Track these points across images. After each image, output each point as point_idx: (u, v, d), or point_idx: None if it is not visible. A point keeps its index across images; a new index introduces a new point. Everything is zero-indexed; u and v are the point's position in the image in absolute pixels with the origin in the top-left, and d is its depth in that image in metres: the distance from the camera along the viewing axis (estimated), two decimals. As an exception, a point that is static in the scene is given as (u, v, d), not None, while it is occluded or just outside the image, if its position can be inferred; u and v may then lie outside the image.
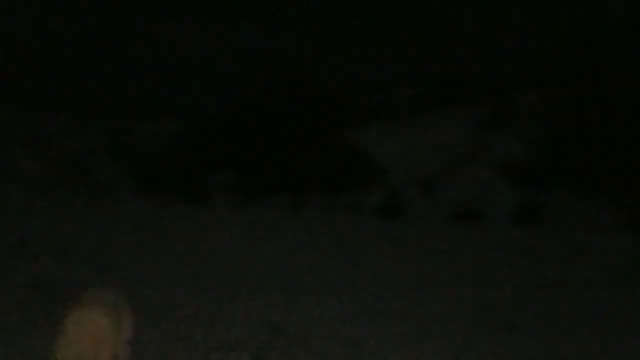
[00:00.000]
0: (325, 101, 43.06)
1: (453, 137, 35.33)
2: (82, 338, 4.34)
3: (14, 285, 9.24)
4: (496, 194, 30.63)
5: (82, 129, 50.40)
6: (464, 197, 30.62)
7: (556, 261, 15.05)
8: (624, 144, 32.09)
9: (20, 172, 41.56)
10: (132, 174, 43.37)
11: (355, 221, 21.91)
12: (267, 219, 19.58)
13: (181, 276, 10.82)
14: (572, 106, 35.44)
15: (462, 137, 35.20)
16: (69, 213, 16.35)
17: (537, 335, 8.53)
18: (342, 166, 36.80)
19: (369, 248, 15.41)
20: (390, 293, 10.74)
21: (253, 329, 8.19)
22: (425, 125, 37.26)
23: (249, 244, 14.60)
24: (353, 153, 37.12)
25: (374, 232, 18.58)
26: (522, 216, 27.37)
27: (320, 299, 10.01)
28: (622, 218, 27.27)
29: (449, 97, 40.90)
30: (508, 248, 16.68)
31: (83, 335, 4.36)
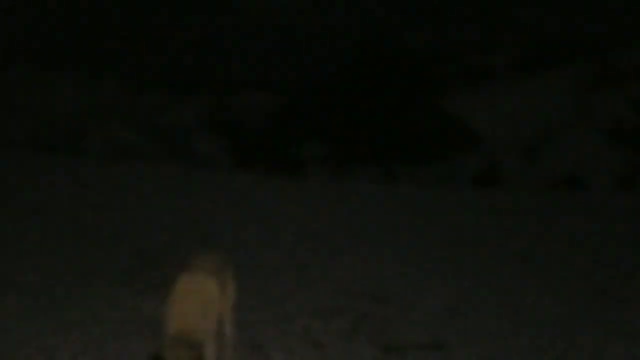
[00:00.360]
0: (418, 67, 42.36)
1: (554, 101, 33.99)
2: (189, 302, 4.49)
3: (124, 254, 9.68)
4: (600, 159, 29.34)
5: (181, 104, 51.94)
6: (566, 163, 29.51)
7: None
8: None
9: (123, 146, 43.38)
10: (229, 147, 44.43)
11: (450, 190, 21.56)
12: (360, 189, 19.57)
13: (279, 244, 11.01)
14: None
15: (564, 100, 33.80)
16: (170, 185, 16.92)
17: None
18: (436, 134, 36.18)
19: (465, 217, 15.15)
20: (487, 264, 10.55)
21: (352, 298, 8.25)
22: (524, 88, 36.00)
23: (343, 214, 14.66)
24: (447, 120, 36.41)
25: (469, 201, 18.22)
26: (628, 181, 26.17)
27: (417, 268, 9.95)
28: None
29: (549, 58, 39.27)
30: (613, 215, 15.97)
31: (190, 299, 4.51)
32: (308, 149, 41.40)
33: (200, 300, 4.51)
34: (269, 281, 8.80)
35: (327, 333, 6.98)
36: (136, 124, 47.92)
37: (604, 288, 9.14)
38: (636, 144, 29.42)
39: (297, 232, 12.26)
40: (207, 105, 51.83)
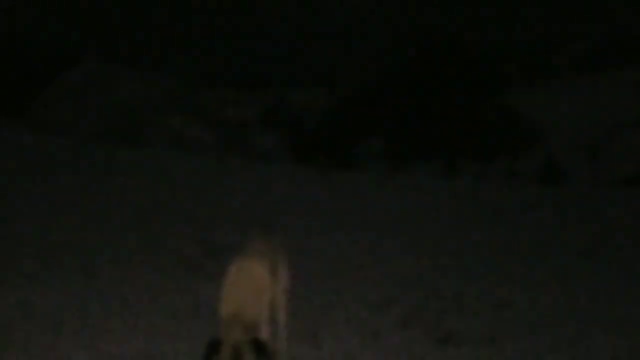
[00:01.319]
0: (479, 63, 41.71)
1: (617, 99, 33.03)
2: (241, 285, 4.62)
3: (184, 245, 9.94)
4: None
5: (240, 100, 52.67)
6: (630, 161, 28.65)
7: None
8: None
9: (185, 140, 44.30)
10: (286, 142, 44.81)
11: (510, 187, 21.23)
12: (418, 184, 19.48)
13: (336, 236, 11.11)
14: None
15: (628, 99, 32.80)
16: (231, 178, 17.22)
17: None
18: (499, 131, 35.57)
19: (524, 214, 14.93)
20: (546, 260, 10.40)
21: (407, 289, 8.27)
22: (589, 86, 35.09)
23: (400, 208, 14.65)
24: (509, 117, 35.76)
25: (530, 198, 17.92)
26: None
27: (473, 261, 9.90)
28: None
29: (613, 57, 38.17)
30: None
31: (242, 283, 4.64)
32: (366, 143, 41.38)
33: (251, 284, 4.63)
34: (325, 271, 8.91)
35: (381, 324, 7.03)
36: (198, 118, 48.82)
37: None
38: None
39: (354, 225, 12.33)
40: (267, 101, 52.42)
